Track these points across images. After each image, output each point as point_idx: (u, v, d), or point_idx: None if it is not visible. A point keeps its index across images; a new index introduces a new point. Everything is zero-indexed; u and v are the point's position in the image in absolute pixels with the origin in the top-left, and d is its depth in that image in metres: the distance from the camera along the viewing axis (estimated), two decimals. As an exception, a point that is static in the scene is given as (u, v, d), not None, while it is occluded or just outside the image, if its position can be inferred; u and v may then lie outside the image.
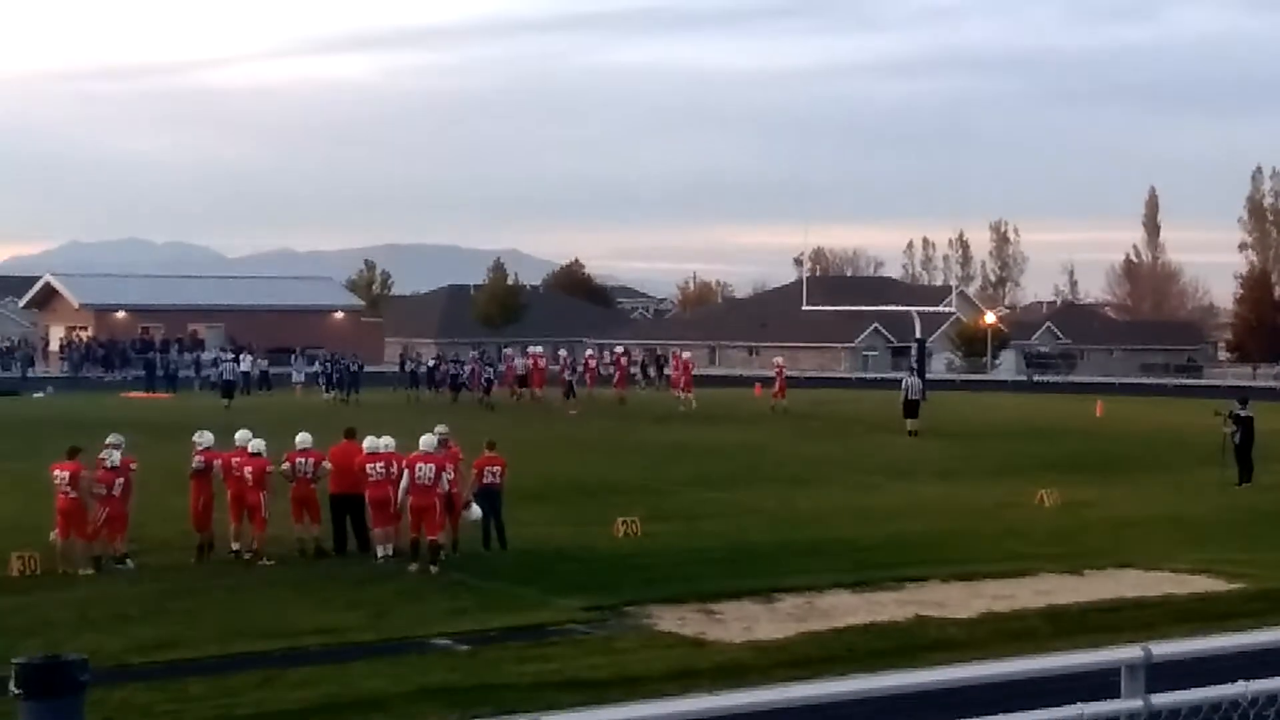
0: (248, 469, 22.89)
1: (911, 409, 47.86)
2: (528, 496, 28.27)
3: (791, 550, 24.24)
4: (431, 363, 66.98)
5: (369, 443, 23.22)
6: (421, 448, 22.80)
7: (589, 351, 67.28)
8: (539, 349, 66.68)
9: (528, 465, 31.63)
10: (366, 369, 69.86)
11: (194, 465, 23.19)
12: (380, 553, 22.58)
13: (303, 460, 23.37)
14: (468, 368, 64.48)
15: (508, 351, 70.00)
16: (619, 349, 66.76)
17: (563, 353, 66.91)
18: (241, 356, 73.46)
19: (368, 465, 22.81)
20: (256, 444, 23.24)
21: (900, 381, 51.17)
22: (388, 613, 18.93)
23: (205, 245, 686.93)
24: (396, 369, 68.41)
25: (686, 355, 64.69)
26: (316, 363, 70.33)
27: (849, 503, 30.60)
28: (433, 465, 22.52)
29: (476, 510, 23.08)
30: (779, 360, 63.66)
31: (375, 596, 20.00)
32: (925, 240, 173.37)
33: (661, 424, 50.39)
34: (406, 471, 22.45)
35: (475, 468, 23.99)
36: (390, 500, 22.66)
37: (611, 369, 62.79)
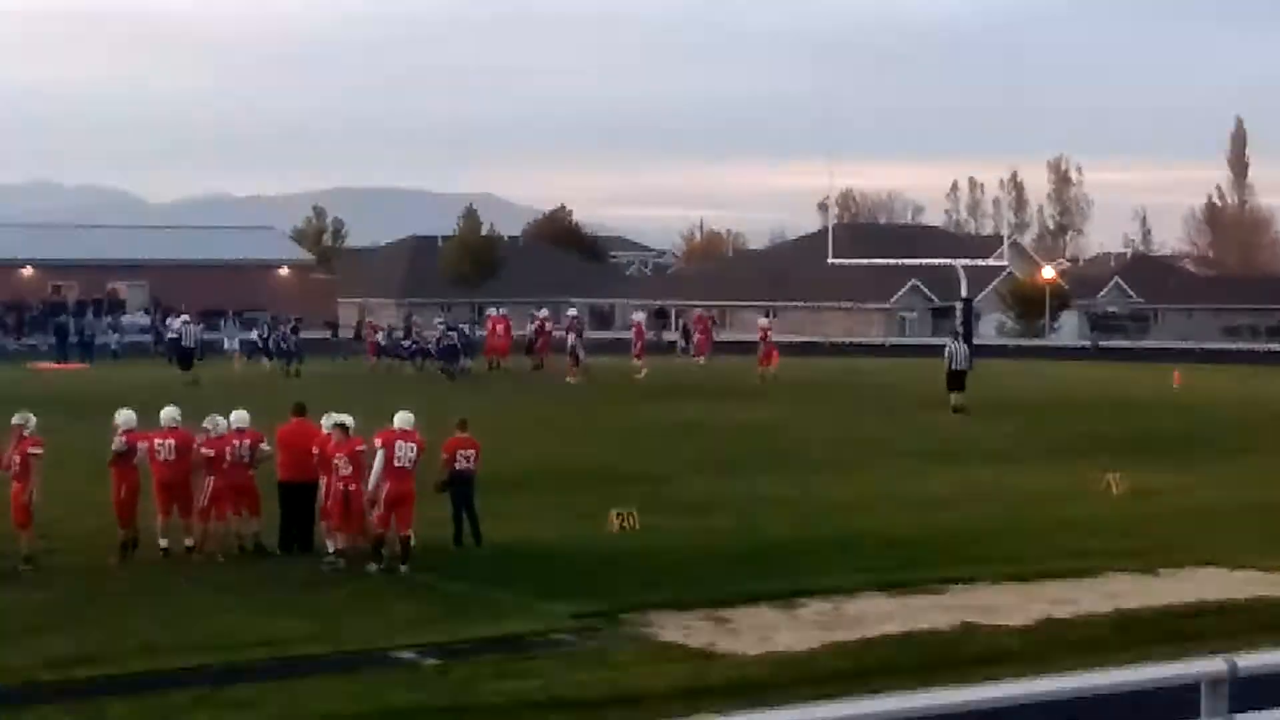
0: (205, 450, 22.94)
1: (956, 380, 47.90)
2: (506, 484, 28.30)
3: (816, 546, 24.29)
4: (402, 334, 66.11)
5: (332, 421, 23.14)
6: (397, 425, 22.75)
7: (542, 312, 67.78)
8: (544, 311, 67.59)
9: (506, 448, 31.67)
10: (312, 335, 69.94)
11: (114, 448, 23.19)
12: (333, 548, 22.59)
13: (238, 443, 23.40)
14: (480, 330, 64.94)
15: (490, 313, 70.06)
16: (571, 312, 67.01)
17: (542, 312, 67.52)
18: (169, 320, 73.45)
19: (337, 454, 22.67)
20: (216, 421, 23.36)
21: (943, 348, 51.19)
22: (343, 621, 18.99)
23: (124, 189, 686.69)
24: (352, 335, 67.99)
25: (764, 321, 65.44)
26: (256, 328, 70.30)
27: (883, 491, 30.65)
28: (413, 445, 22.54)
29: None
30: (764, 322, 64.54)
31: (328, 602, 20.06)
32: (972, 181, 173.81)
33: (664, 400, 50.41)
34: (382, 452, 22.41)
35: (445, 451, 24.00)
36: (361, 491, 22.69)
37: (565, 333, 63.17)
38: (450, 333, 62.69)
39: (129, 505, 23.04)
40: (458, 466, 23.93)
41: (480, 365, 62.04)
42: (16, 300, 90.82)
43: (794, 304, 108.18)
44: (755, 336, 63.02)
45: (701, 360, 65.79)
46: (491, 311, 69.32)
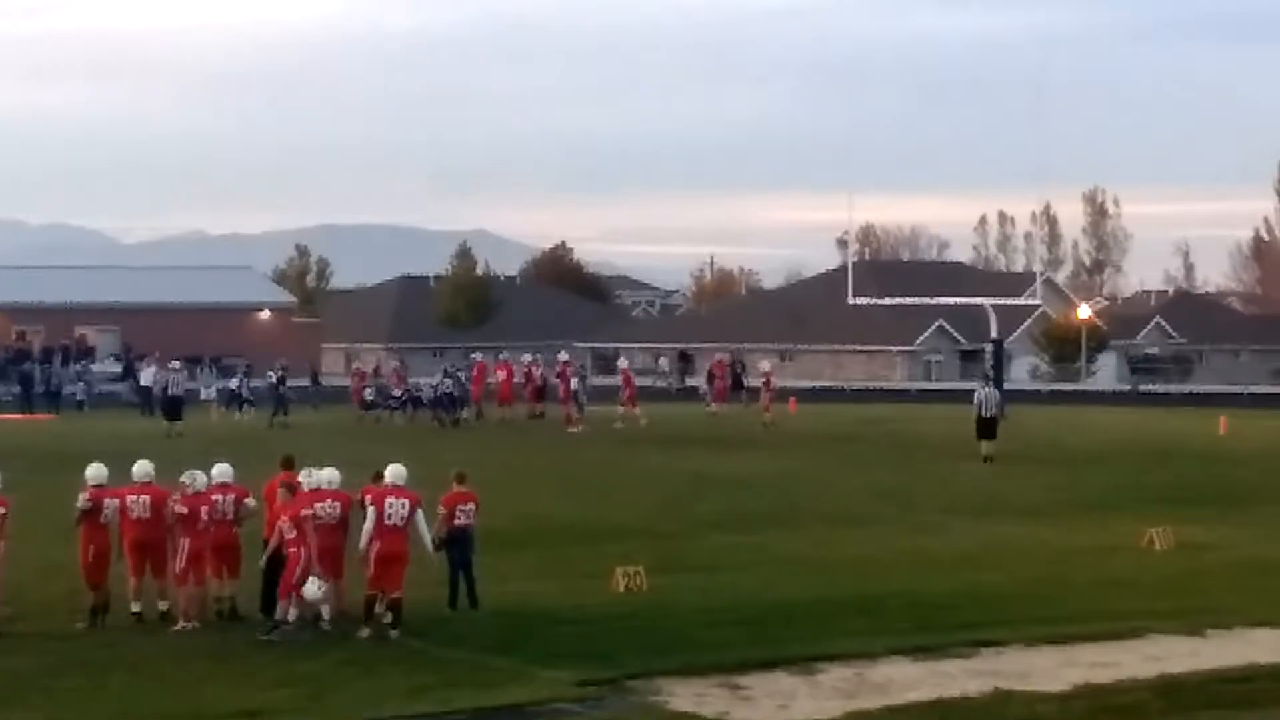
0: (179, 508, 22.82)
1: (987, 428, 47.89)
2: (504, 542, 28.29)
3: (836, 608, 24.26)
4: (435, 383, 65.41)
5: (308, 477, 23.15)
6: (389, 480, 22.76)
7: (526, 358, 68.00)
8: (527, 356, 67.83)
9: (503, 502, 31.65)
10: (297, 384, 69.97)
11: (78, 506, 23.10)
12: (293, 614, 22.42)
13: (221, 498, 23.36)
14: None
15: (476, 358, 70.19)
16: (562, 356, 67.20)
17: (526, 358, 67.85)
18: (139, 367, 73.53)
19: (315, 505, 22.64)
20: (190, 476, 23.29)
21: (973, 394, 51.21)
22: (328, 691, 18.98)
23: (95, 228, 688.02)
24: (349, 385, 67.38)
25: (766, 365, 66.37)
26: (236, 377, 70.35)
27: (909, 547, 30.62)
28: (405, 502, 22.53)
29: (314, 587, 21.97)
30: (766, 366, 65.50)
31: (312, 670, 20.03)
32: (1002, 215, 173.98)
33: (673, 449, 50.44)
34: (372, 509, 22.42)
35: (444, 505, 23.93)
36: (340, 550, 22.65)
37: (557, 379, 63.37)
38: (446, 380, 62.88)
39: (98, 567, 22.97)
40: (457, 522, 23.89)
41: (473, 414, 62.13)
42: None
43: (812, 347, 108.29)
44: (758, 382, 63.90)
45: (714, 408, 65.75)
46: (477, 357, 69.71)
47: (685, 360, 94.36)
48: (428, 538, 22.96)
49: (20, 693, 18.93)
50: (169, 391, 61.50)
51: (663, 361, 69.91)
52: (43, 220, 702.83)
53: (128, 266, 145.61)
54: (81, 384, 77.10)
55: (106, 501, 23.09)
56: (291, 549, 22.08)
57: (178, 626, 22.50)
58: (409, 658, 20.76)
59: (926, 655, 20.93)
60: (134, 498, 23.13)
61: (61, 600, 23.99)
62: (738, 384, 73.88)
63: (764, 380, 63.08)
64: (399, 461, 23.27)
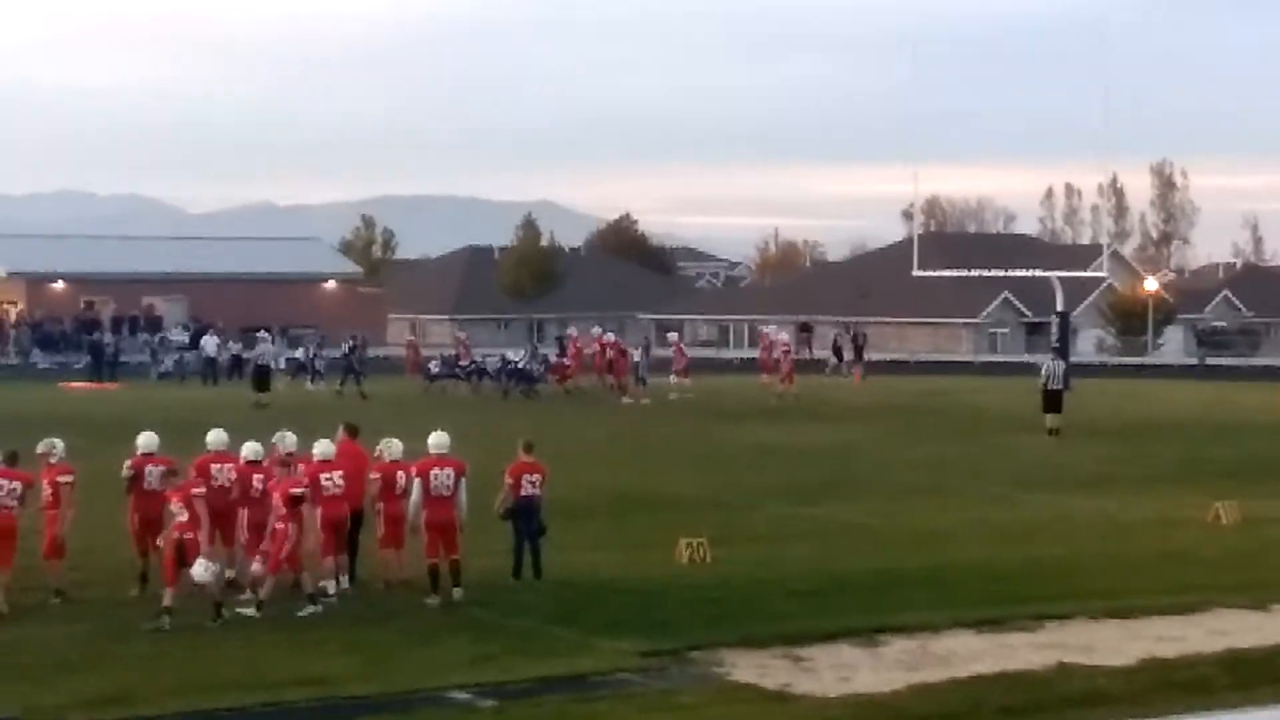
0: (255, 477, 22.83)
1: (1053, 401, 47.68)
2: (568, 513, 28.29)
3: (900, 580, 24.22)
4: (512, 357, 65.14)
5: (323, 448, 23.13)
6: (431, 449, 22.86)
7: (597, 330, 67.79)
8: (597, 329, 67.95)
9: (568, 473, 31.69)
10: (373, 353, 70.40)
11: (124, 474, 23.19)
12: (333, 588, 22.51)
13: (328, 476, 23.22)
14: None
15: (571, 332, 70.38)
16: (596, 330, 67.33)
17: (596, 330, 67.80)
18: (206, 338, 73.98)
19: (320, 475, 22.63)
20: (251, 448, 23.25)
21: (1039, 366, 50.96)
22: (391, 659, 19.04)
23: (161, 198, 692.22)
24: (438, 362, 67.16)
25: (784, 336, 66.08)
26: (303, 346, 70.72)
27: (973, 519, 30.54)
28: (450, 470, 22.64)
29: (202, 568, 21.08)
30: (784, 337, 64.63)
31: (376, 638, 20.11)
32: (1069, 187, 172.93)
33: (737, 422, 50.44)
34: (418, 480, 22.55)
35: (511, 475, 23.95)
36: (344, 522, 22.73)
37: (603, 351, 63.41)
38: (530, 357, 63.11)
39: (142, 535, 23.11)
40: (523, 492, 23.94)
41: (554, 388, 62.23)
42: (49, 316, 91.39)
43: (876, 319, 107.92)
44: (776, 354, 62.93)
45: (780, 387, 65.01)
46: (572, 331, 69.90)
47: (807, 331, 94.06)
48: (464, 506, 22.84)
49: (87, 658, 19.05)
50: (258, 361, 61.83)
51: (673, 335, 69.54)
52: (111, 191, 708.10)
53: (195, 237, 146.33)
54: (165, 356, 77.50)
55: (149, 469, 23.11)
56: (279, 524, 21.74)
57: (244, 597, 22.55)
58: (472, 626, 20.80)
59: (990, 628, 20.87)
60: (217, 466, 23.13)
61: (128, 567, 24.11)
62: (859, 355, 74.48)
63: (783, 351, 62.26)
64: (441, 429, 23.29)
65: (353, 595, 22.71)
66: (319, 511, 22.46)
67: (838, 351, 78.02)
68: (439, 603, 22.05)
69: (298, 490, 21.85)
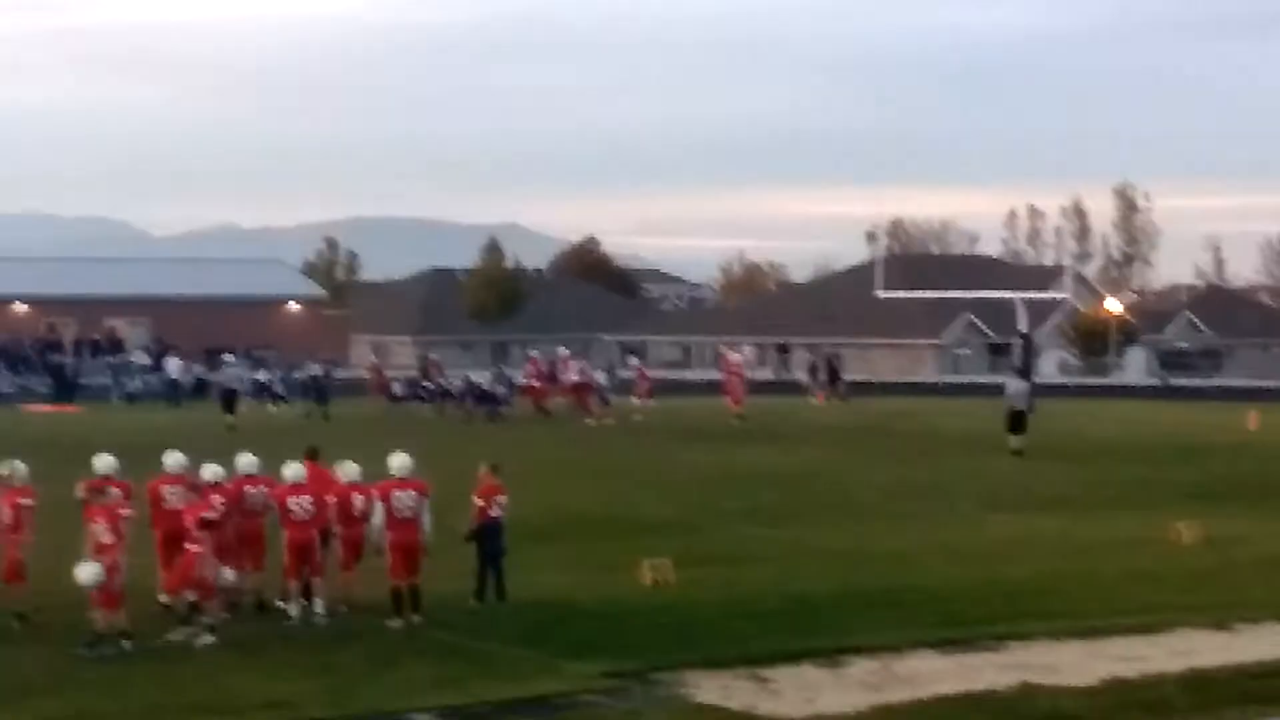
0: (214, 499, 22.79)
1: (1017, 422, 47.81)
2: (531, 534, 28.29)
3: (863, 601, 24.25)
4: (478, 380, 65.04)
5: (294, 471, 23.14)
6: (394, 471, 22.83)
7: (563, 352, 68.12)
8: (562, 350, 68.20)
9: (530, 494, 31.68)
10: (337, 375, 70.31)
11: (78, 496, 23.10)
12: (302, 610, 22.51)
13: (251, 488, 23.35)
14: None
15: (534, 354, 70.42)
16: (562, 351, 67.99)
17: (562, 351, 68.13)
18: (169, 360, 73.79)
19: (289, 499, 22.71)
20: (215, 469, 23.20)
21: (1002, 387, 51.08)
22: (356, 683, 18.99)
23: (127, 220, 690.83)
24: (422, 381, 66.93)
25: (735, 356, 66.31)
26: (264, 368, 70.63)
27: (936, 541, 30.57)
28: (413, 492, 22.62)
29: (87, 571, 20.83)
30: (735, 357, 65.31)
31: (340, 662, 20.06)
32: (1031, 209, 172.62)
33: (700, 444, 50.44)
34: (380, 504, 22.52)
35: (480, 496, 23.95)
36: (314, 545, 22.68)
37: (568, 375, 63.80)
38: (495, 380, 62.96)
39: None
40: (491, 514, 23.90)
41: (526, 410, 62.24)
42: (11, 338, 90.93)
43: (841, 340, 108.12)
44: (725, 374, 63.45)
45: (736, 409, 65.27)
46: (534, 353, 70.08)
47: (784, 352, 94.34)
48: (428, 526, 22.74)
49: (52, 682, 18.96)
50: (225, 385, 61.84)
51: (633, 360, 70.06)
52: (77, 213, 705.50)
53: (158, 259, 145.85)
54: (114, 375, 77.26)
55: (110, 491, 23.04)
56: (191, 547, 21.51)
57: (206, 619, 22.47)
58: (436, 649, 20.78)
59: (953, 648, 20.92)
60: (170, 489, 23.18)
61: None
62: (834, 378, 74.82)
63: (733, 371, 62.85)
64: (404, 451, 23.21)
65: (315, 618, 22.64)
66: (285, 535, 22.50)
67: (813, 373, 78.23)
68: (402, 626, 22.02)
69: (208, 514, 21.70)
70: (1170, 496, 36.81)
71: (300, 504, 22.66)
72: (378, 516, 22.55)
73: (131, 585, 21.36)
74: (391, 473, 22.85)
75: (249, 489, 23.32)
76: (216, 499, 22.28)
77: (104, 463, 23.49)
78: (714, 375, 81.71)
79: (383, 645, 20.99)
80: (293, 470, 23.14)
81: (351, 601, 23.03)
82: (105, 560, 20.79)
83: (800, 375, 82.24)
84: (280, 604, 22.77)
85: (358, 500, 23.00)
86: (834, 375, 76.74)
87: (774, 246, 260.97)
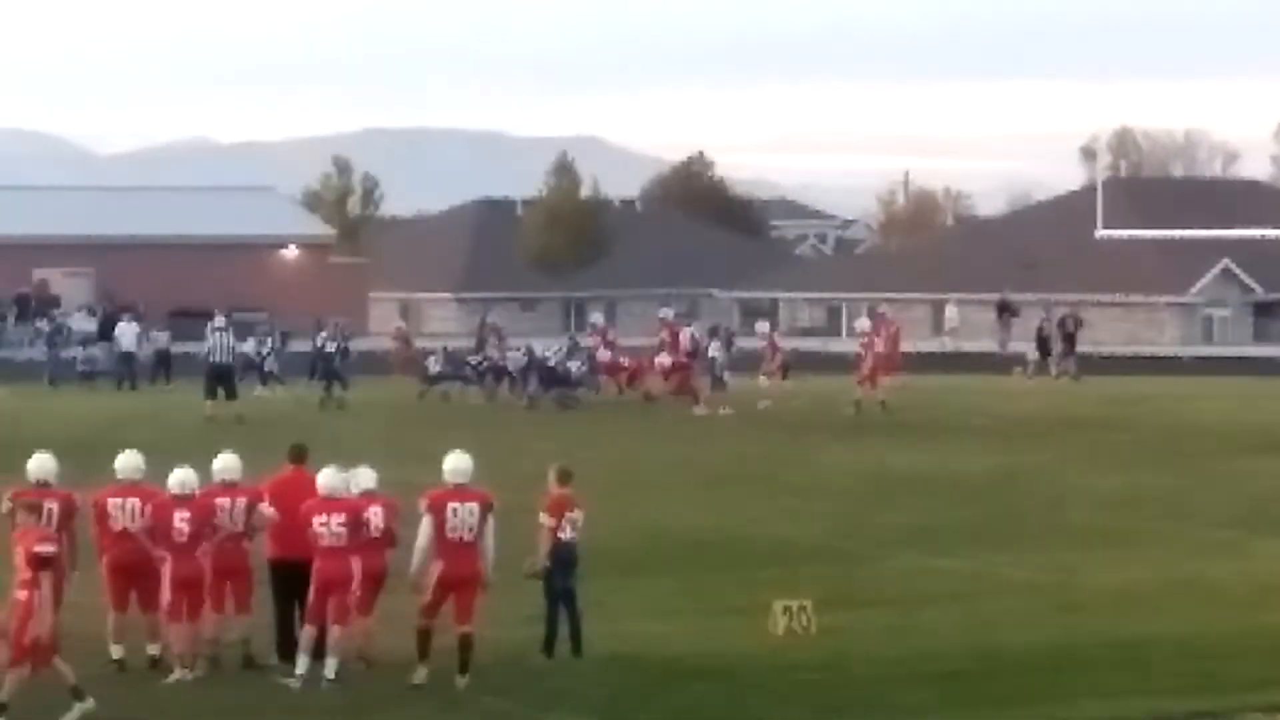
0: (179, 516, 22.96)
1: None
2: (619, 566, 28.40)
3: (1079, 658, 24.20)
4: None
5: (326, 480, 23.18)
6: (448, 476, 22.85)
7: (667, 313, 67.86)
8: (666, 311, 68.12)
9: (615, 510, 31.74)
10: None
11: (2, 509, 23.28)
12: (332, 669, 22.57)
13: (226, 502, 23.48)
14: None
15: (597, 320, 70.57)
16: (664, 312, 67.79)
17: (666, 312, 67.95)
18: (121, 326, 74.15)
19: (316, 518, 22.82)
20: (182, 476, 23.37)
21: None
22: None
23: (64, 135, 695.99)
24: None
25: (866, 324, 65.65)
26: (251, 337, 70.87)
27: (1181, 576, 30.45)
28: (473, 505, 22.61)
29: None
30: (866, 325, 64.27)
31: (357, 739, 20.17)
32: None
33: (851, 440, 50.36)
34: (429, 518, 22.55)
35: (550, 514, 23.95)
36: (352, 577, 22.65)
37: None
38: (571, 357, 62.96)
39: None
40: (562, 537, 23.93)
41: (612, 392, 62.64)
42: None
43: (1045, 296, 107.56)
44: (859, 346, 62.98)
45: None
46: (598, 319, 70.14)
47: (1008, 312, 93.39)
48: (491, 553, 22.87)
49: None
50: (214, 358, 61.86)
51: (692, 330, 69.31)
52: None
53: (106, 187, 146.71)
54: (50, 346, 77.71)
55: (46, 505, 23.19)
56: (20, 593, 21.06)
57: (173, 677, 22.69)
58: (488, 723, 20.86)
59: (1209, 723, 20.84)
60: (117, 502, 23.35)
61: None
62: (1070, 348, 74.57)
63: (863, 341, 62.06)
64: (462, 451, 23.25)
65: (324, 682, 22.78)
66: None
67: (1043, 343, 77.61)
68: (423, 678, 22.11)
69: (45, 549, 21.19)
70: None
71: (328, 526, 22.68)
72: (424, 537, 22.54)
73: (74, 633, 21.55)
74: (445, 479, 22.89)
75: (222, 501, 23.44)
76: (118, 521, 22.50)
77: (40, 465, 23.67)
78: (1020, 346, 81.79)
79: (415, 716, 21.08)
80: (451, 464, 23.07)
81: (370, 657, 23.15)
82: (20, 598, 20.87)
83: (1023, 346, 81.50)
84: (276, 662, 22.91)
85: (374, 516, 23.10)
86: (1070, 344, 76.14)
87: (952, 168, 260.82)
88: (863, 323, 65.66)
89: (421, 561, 22.54)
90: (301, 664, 22.61)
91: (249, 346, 69.06)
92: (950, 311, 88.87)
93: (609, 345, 65.43)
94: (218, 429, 47.86)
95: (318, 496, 22.93)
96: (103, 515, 23.45)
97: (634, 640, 24.84)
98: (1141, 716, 21.07)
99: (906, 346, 70.27)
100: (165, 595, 22.93)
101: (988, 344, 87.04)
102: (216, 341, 62.88)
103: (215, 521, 23.26)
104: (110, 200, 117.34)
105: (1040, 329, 78.90)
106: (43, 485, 23.38)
